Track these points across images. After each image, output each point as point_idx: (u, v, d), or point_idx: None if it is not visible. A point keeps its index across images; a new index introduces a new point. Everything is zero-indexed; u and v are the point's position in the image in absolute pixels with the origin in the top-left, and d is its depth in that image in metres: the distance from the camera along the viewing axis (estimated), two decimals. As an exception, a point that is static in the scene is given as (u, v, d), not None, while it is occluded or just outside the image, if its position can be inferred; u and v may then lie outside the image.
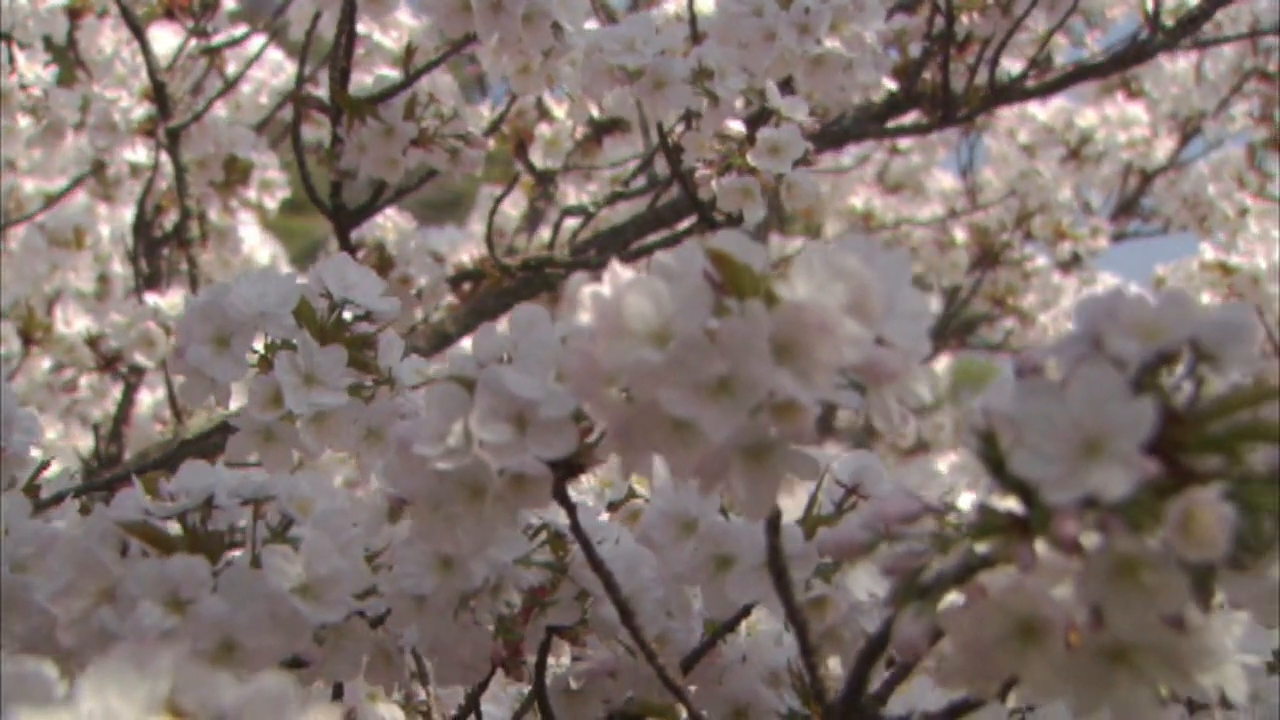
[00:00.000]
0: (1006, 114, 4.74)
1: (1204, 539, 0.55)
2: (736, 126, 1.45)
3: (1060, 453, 0.57)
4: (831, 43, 1.49)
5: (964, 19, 1.88)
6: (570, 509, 0.81)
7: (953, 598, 0.65)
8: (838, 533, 0.64)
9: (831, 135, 1.99)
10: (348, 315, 1.13)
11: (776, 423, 0.64)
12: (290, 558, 0.84)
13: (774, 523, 0.72)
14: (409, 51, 1.61)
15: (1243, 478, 0.57)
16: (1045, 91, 2.02)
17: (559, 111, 2.28)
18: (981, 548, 0.60)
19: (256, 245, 3.15)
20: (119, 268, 2.75)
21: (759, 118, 1.56)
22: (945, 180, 5.11)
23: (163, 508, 0.85)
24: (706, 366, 0.64)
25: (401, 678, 1.02)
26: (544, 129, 2.31)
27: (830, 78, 1.51)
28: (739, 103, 1.51)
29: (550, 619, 0.94)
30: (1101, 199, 5.04)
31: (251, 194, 2.30)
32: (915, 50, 2.03)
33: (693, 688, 1.02)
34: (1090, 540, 0.57)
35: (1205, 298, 2.74)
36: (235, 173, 2.27)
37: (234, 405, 1.11)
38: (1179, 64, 4.55)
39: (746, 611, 0.96)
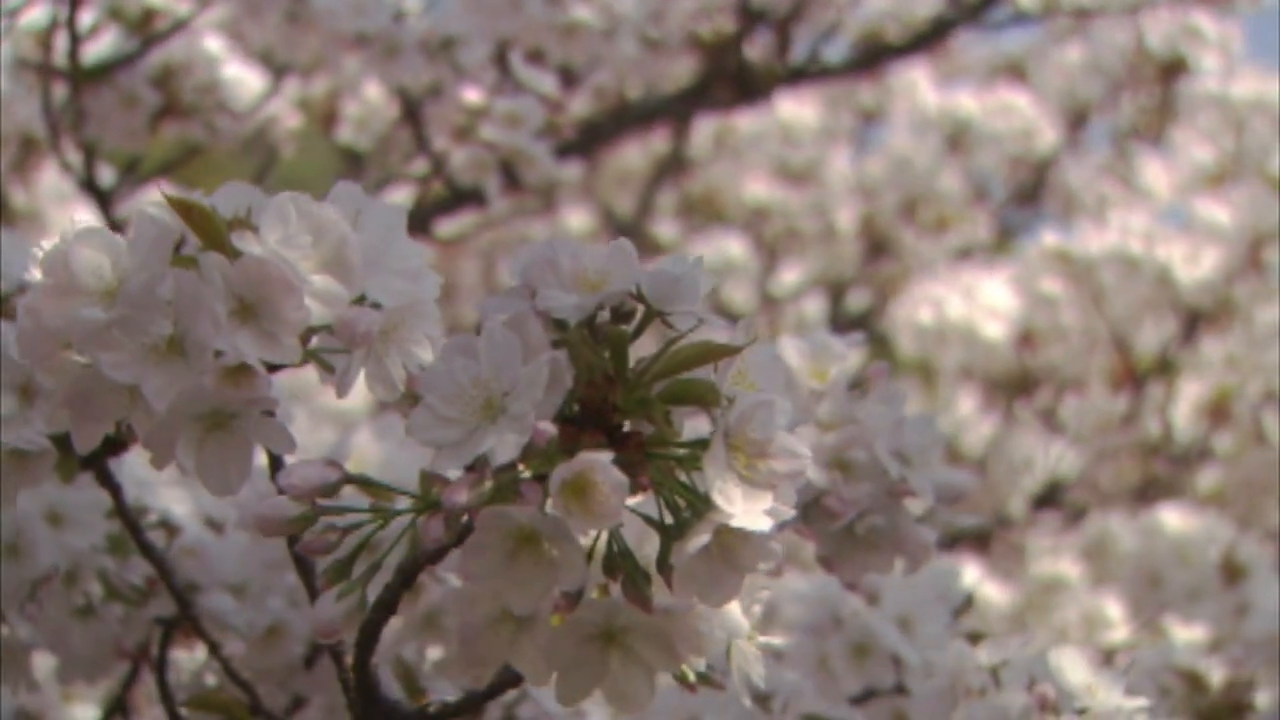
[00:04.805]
0: (902, 103, 4.72)
1: (598, 508, 0.50)
2: (473, 97, 1.40)
3: (460, 415, 0.52)
4: (582, 12, 1.44)
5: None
6: (114, 489, 0.75)
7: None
8: (265, 507, 0.58)
9: (631, 114, 1.94)
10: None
11: (223, 387, 0.58)
12: None
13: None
14: (148, 16, 1.54)
15: (678, 442, 0.53)
16: (847, 71, 1.98)
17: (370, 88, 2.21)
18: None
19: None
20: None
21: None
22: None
23: None
24: (154, 326, 0.58)
25: (28, 678, 0.95)
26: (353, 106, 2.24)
27: (585, 48, 1.45)
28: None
29: (153, 610, 0.88)
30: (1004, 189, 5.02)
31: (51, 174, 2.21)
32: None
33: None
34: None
35: (1046, 285, 2.71)
36: (34, 151, 2.19)
37: None
38: (1069, 54, 4.53)
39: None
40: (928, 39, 1.97)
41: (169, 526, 0.89)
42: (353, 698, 0.67)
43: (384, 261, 0.62)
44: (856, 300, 4.95)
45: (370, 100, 2.21)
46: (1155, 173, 3.45)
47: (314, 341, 0.63)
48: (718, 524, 0.52)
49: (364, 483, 0.58)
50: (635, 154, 4.31)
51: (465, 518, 0.54)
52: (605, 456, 0.51)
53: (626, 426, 0.53)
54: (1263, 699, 1.47)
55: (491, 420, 0.52)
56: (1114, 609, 2.07)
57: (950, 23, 1.95)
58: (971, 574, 2.33)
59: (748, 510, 0.52)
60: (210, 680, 0.97)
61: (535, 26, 1.43)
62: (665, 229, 4.67)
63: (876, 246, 4.87)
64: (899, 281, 4.91)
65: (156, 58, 1.59)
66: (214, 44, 1.70)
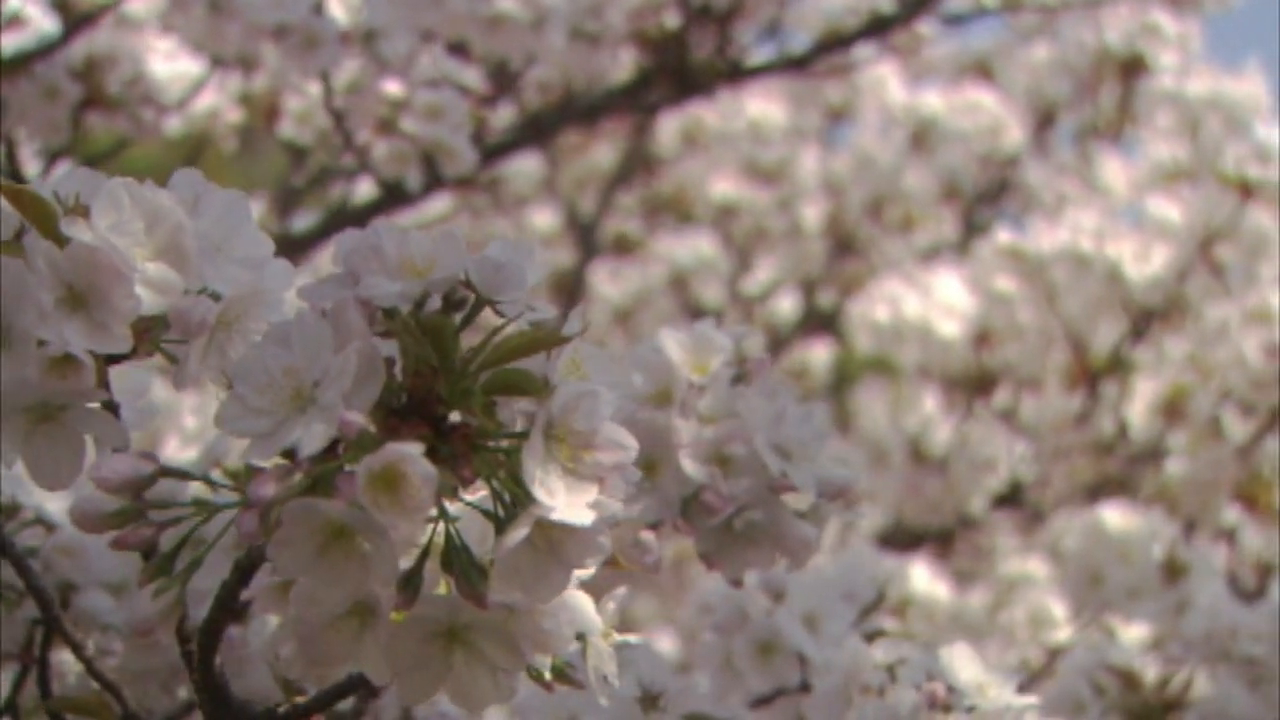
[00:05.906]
0: (870, 102, 4.69)
1: (408, 501, 0.49)
2: (394, 89, 1.38)
3: (270, 405, 0.50)
4: (506, 3, 1.42)
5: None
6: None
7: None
8: (82, 501, 0.56)
9: (574, 108, 1.92)
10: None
11: (48, 378, 0.56)
12: None
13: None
14: (66, 6, 1.52)
15: (505, 433, 0.51)
16: (788, 67, 1.97)
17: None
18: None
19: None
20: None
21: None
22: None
23: None
24: (-24, 317, 0.56)
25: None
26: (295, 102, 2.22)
27: (511, 41, 1.44)
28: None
29: (29, 611, 0.85)
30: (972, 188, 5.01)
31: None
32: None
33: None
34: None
35: (1001, 283, 2.70)
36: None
37: None
38: (1036, 52, 4.51)
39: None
40: (874, 31, 1.95)
41: (45, 524, 0.87)
42: (202, 698, 0.65)
43: (225, 250, 0.60)
44: (827, 299, 4.94)
45: (312, 95, 2.18)
46: (1114, 171, 3.44)
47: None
48: (537, 517, 0.50)
49: (181, 475, 0.56)
50: (602, 151, 4.27)
51: (292, 512, 0.52)
52: (415, 448, 0.49)
53: (454, 418, 0.52)
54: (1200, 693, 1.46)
55: (301, 411, 0.50)
56: (1059, 608, 2.06)
57: (894, 18, 1.93)
58: (921, 573, 2.32)
59: (570, 503, 0.50)
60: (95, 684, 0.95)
61: (458, 19, 1.41)
62: (632, 227, 4.65)
63: (843, 245, 4.85)
64: (865, 280, 4.89)
65: (79, 49, 1.56)
66: (149, 37, 1.67)
